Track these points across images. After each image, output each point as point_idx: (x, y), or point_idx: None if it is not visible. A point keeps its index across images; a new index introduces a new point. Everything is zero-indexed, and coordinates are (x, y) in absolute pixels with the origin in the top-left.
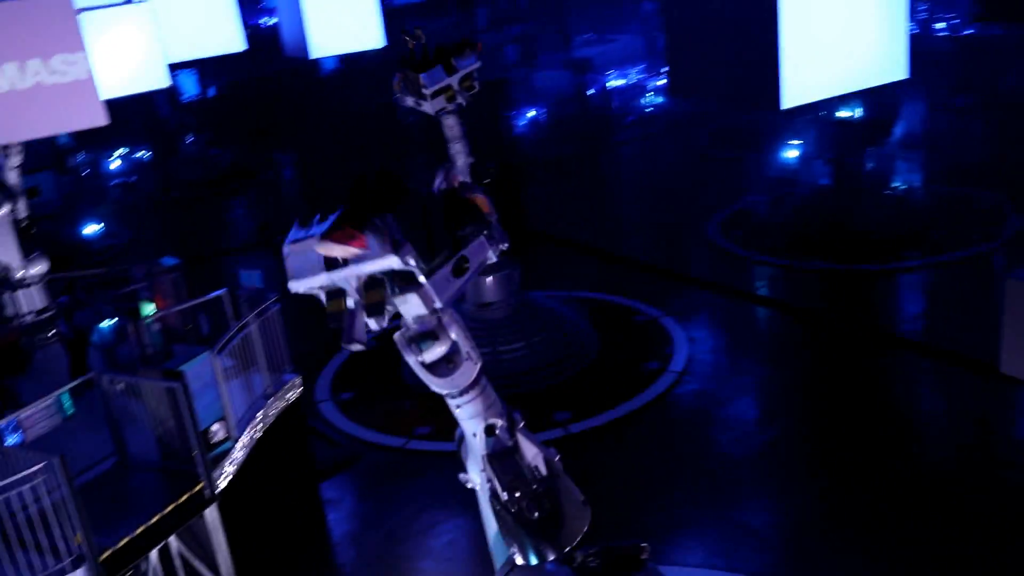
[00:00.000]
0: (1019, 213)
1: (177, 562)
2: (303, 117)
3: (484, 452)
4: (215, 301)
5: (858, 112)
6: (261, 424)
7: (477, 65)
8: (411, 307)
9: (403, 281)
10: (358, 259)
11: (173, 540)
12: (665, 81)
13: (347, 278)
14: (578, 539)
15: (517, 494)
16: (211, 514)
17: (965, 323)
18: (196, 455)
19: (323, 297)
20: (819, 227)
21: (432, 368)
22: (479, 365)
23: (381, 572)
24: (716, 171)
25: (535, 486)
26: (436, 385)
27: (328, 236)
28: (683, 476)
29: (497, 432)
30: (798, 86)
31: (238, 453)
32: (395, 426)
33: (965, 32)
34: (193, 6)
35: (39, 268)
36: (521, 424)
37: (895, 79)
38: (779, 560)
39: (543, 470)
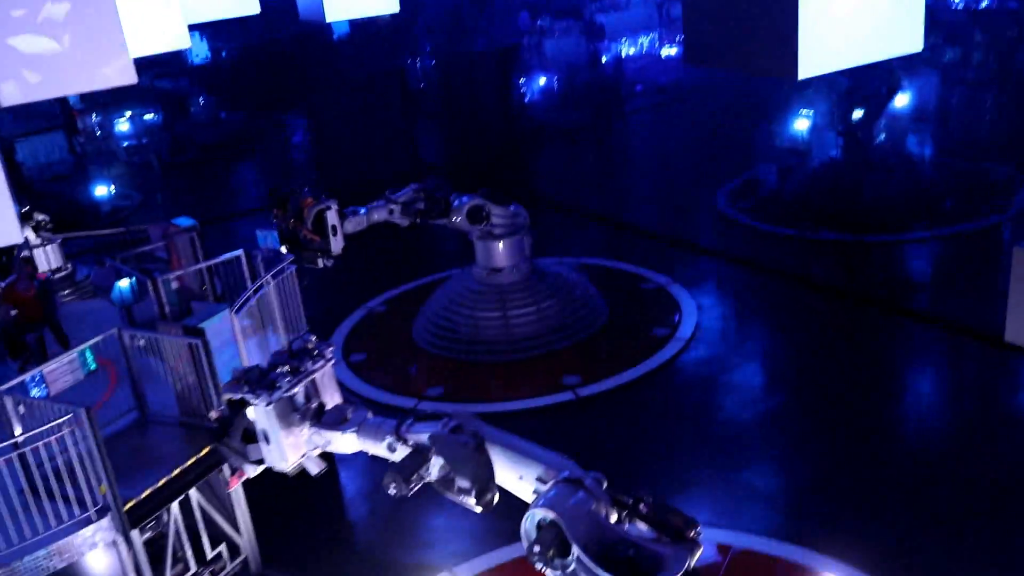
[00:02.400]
0: None
1: (197, 514)
2: (314, 81)
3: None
4: (228, 262)
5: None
6: None
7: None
8: None
9: None
10: None
11: (193, 492)
12: (678, 49)
13: None
14: (474, 484)
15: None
16: (229, 468)
17: (972, 294)
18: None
19: None
20: (828, 198)
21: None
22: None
23: (393, 527)
24: (726, 141)
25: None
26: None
27: None
28: (691, 439)
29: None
30: (814, 56)
31: None
32: (406, 387)
33: (981, 5)
34: None
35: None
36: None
37: (910, 51)
38: (784, 520)
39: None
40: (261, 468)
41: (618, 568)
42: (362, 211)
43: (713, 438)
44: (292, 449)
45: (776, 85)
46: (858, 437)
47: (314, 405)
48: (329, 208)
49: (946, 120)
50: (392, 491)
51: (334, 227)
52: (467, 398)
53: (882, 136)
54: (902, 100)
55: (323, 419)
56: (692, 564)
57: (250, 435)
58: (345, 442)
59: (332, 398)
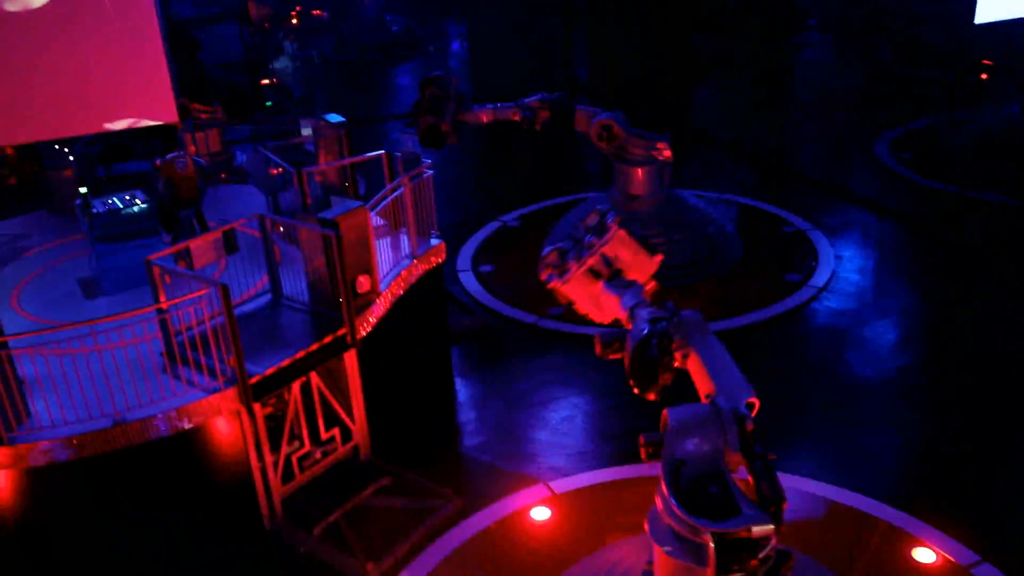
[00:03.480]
0: None
1: (315, 396)
2: None
3: None
4: (374, 164)
5: None
6: (404, 282)
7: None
8: None
9: None
10: None
11: (314, 376)
12: None
13: None
14: (630, 370)
15: None
16: (351, 358)
17: None
18: (342, 302)
19: None
20: (1000, 156)
21: None
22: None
23: (498, 436)
24: (896, 87)
25: None
26: None
27: None
28: (807, 389)
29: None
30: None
31: (380, 306)
32: (529, 303)
33: None
34: None
35: None
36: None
37: None
38: (891, 484)
39: None
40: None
41: (687, 497)
42: (489, 107)
43: (831, 390)
44: (600, 309)
45: (956, 31)
46: (987, 409)
47: (612, 270)
48: (443, 122)
49: None
50: (597, 351)
51: (447, 133)
52: (588, 321)
53: None
54: None
55: (612, 282)
56: (754, 535)
57: None
58: (614, 308)
59: (627, 264)
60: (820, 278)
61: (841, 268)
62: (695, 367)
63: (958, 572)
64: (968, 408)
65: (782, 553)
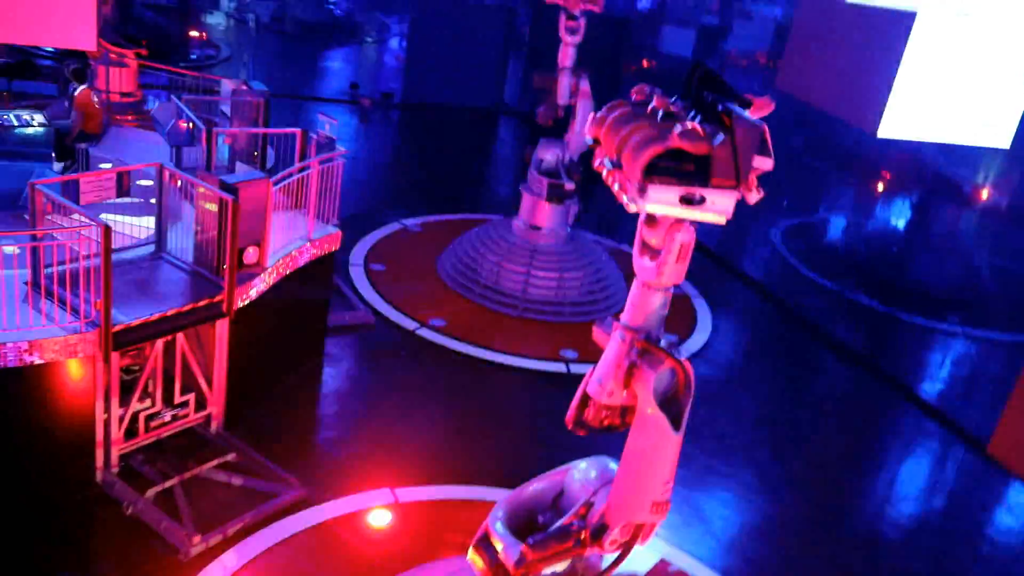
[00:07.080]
0: None
1: (178, 357)
2: None
3: None
4: (287, 140)
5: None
6: (293, 262)
7: None
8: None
9: None
10: None
11: (181, 337)
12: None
13: None
14: None
15: None
16: (222, 326)
17: (979, 399)
18: (227, 269)
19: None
20: (880, 264)
21: None
22: None
23: (355, 434)
24: (802, 178)
25: None
26: None
27: None
28: None
29: None
30: (900, 118)
31: (264, 281)
32: (413, 310)
33: None
34: None
35: None
36: None
37: (996, 145)
38: (715, 549)
39: None
40: None
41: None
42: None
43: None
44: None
45: (865, 136)
46: (813, 494)
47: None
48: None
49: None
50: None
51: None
52: (466, 338)
53: (950, 221)
54: (983, 193)
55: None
56: (498, 555)
57: None
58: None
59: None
60: (694, 344)
61: (714, 337)
62: None
63: None
64: (797, 491)
65: None
